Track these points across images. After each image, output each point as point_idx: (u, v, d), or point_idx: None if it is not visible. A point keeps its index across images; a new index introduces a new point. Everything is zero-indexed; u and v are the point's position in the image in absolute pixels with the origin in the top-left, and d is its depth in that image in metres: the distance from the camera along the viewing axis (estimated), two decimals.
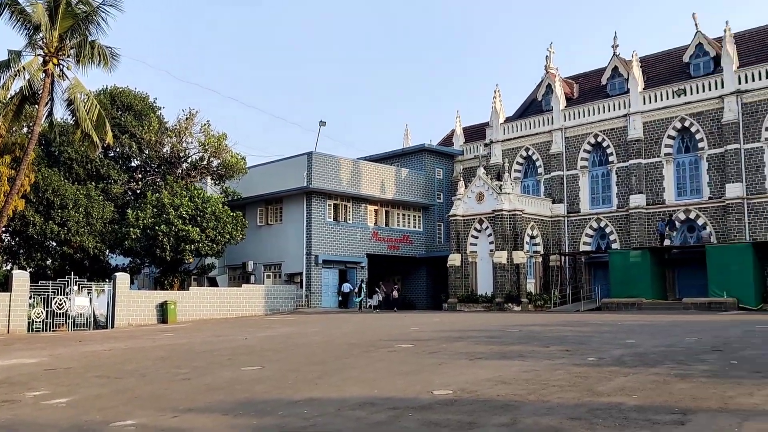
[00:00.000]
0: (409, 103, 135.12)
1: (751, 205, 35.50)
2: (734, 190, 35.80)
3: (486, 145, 48.45)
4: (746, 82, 36.31)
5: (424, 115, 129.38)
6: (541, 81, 47.92)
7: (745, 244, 33.96)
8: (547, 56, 47.85)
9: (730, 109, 36.49)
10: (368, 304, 44.17)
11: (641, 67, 41.93)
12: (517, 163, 46.36)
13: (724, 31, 37.65)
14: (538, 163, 45.27)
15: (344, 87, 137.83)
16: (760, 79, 35.88)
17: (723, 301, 32.58)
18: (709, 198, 37.25)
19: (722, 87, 37.09)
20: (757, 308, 32.35)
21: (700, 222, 37.49)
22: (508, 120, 48.05)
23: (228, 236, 37.36)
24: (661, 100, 39.62)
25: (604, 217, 41.61)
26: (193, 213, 36.21)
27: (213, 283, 45.04)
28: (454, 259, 42.54)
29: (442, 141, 55.84)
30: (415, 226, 49.28)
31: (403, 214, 48.73)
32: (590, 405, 8.30)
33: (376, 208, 47.09)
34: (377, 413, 8.23)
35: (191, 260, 38.08)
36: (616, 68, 43.84)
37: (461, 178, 45.94)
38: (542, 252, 42.45)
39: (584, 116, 43.18)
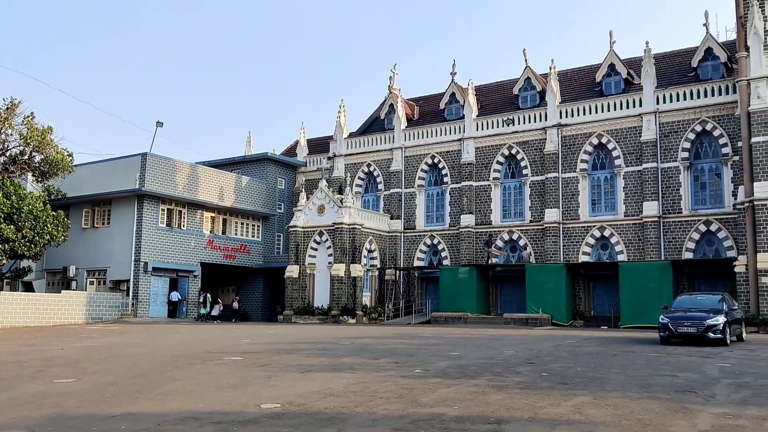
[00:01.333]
0: (254, 111, 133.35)
1: (565, 229, 38.73)
2: (552, 215, 38.88)
3: (329, 158, 48.93)
4: (566, 116, 39.71)
5: (269, 125, 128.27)
6: (385, 100, 49.34)
7: (559, 265, 36.95)
8: (390, 77, 49.42)
9: (551, 141, 39.69)
10: (208, 314, 43.14)
11: (476, 95, 44.53)
12: (359, 177, 47.27)
13: (550, 68, 41.00)
14: (378, 179, 46.44)
15: (188, 91, 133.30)
16: (578, 114, 39.39)
17: (539, 317, 35.17)
18: (531, 221, 40.18)
19: (546, 120, 40.29)
20: (568, 324, 35.27)
21: (521, 243, 40.28)
22: (351, 135, 48.89)
23: (48, 237, 34.60)
24: (492, 127, 42.27)
25: (438, 234, 43.48)
26: (9, 211, 33.16)
27: (29, 288, 41.45)
28: (292, 271, 42.39)
29: (286, 151, 55.63)
30: (253, 236, 48.53)
31: (242, 223, 47.84)
32: (414, 416, 8.59)
33: (213, 215, 45.83)
34: (201, 428, 7.96)
35: (5, 261, 34.79)
36: (453, 94, 46.15)
37: (303, 190, 46.04)
38: (379, 266, 43.50)
39: (423, 137, 44.98)
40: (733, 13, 33.33)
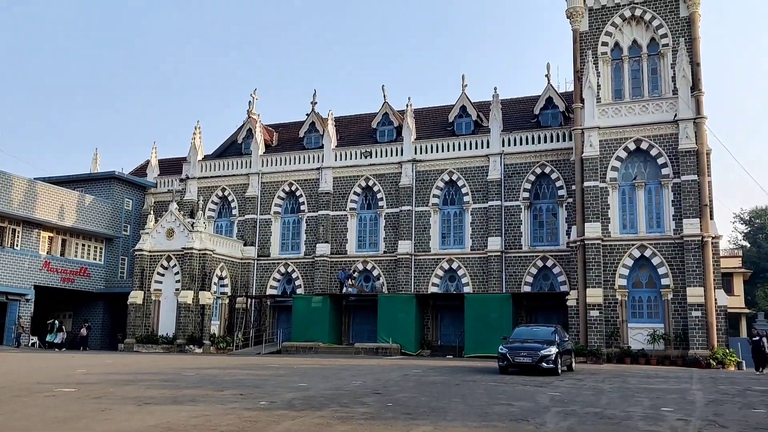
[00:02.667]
0: (104, 127, 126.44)
1: (417, 260, 39.94)
2: (405, 247, 39.97)
3: (182, 180, 47.34)
4: (421, 152, 41.22)
5: (120, 143, 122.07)
6: (243, 124, 48.68)
7: (410, 295, 37.95)
8: (250, 101, 48.94)
9: (406, 175, 40.98)
10: (52, 342, 40.39)
11: (336, 126, 45.11)
12: (213, 202, 46.07)
13: (407, 106, 42.49)
14: (233, 204, 45.53)
15: (32, 104, 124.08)
16: (431, 151, 41.02)
17: (389, 346, 35.79)
18: (384, 252, 41.04)
19: (402, 155, 41.58)
20: (416, 354, 36.18)
21: (375, 273, 40.98)
22: (207, 158, 47.67)
23: None
24: (351, 158, 42.96)
25: (292, 262, 43.20)
26: None
27: None
28: (136, 297, 40.31)
29: (136, 171, 53.14)
30: (95, 258, 45.69)
31: (83, 245, 44.94)
32: None
33: (51, 234, 42.70)
34: None
35: None
36: (313, 123, 46.44)
37: (152, 212, 44.06)
38: (230, 294, 42.40)
39: (281, 164, 44.78)
40: (571, 66, 36.40)
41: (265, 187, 44.84)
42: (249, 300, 42.84)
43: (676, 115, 33.23)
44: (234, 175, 45.84)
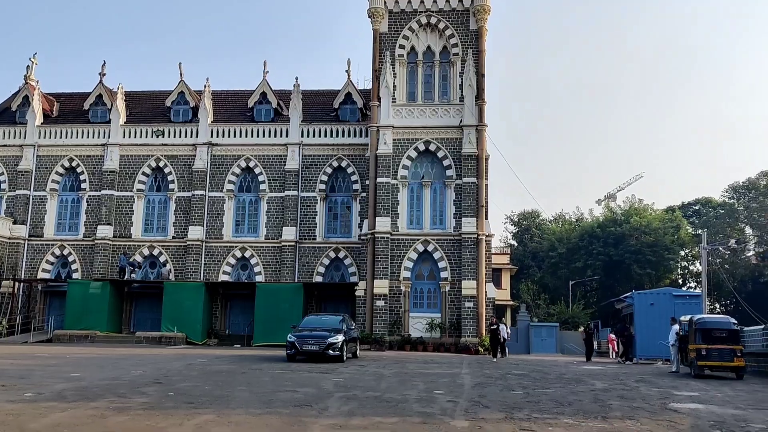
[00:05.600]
0: None
1: (208, 247, 38.94)
2: (196, 233, 38.76)
3: None
4: (218, 136, 40.20)
5: None
6: (19, 90, 43.95)
7: (199, 284, 36.91)
8: (29, 66, 44.34)
9: (201, 158, 39.73)
10: None
11: (126, 101, 42.34)
12: None
13: (204, 86, 41.18)
14: (2, 178, 40.99)
15: None
16: (229, 136, 40.18)
17: (173, 335, 34.54)
18: (173, 237, 39.45)
19: (197, 136, 40.23)
20: (202, 343, 35.31)
21: (162, 259, 39.24)
22: None
23: None
24: (141, 136, 40.69)
25: (69, 244, 39.95)
26: None
27: None
28: None
29: None
30: None
31: None
32: None
33: None
34: None
35: None
36: (101, 96, 43.14)
37: None
38: None
39: (61, 137, 41.19)
40: (371, 64, 37.65)
41: (42, 160, 40.96)
42: (16, 284, 38.84)
43: (461, 121, 35.80)
44: (5, 146, 41.29)
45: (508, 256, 59.71)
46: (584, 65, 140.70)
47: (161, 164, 40.30)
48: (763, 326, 22.67)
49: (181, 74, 43.10)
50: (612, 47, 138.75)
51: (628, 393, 15.06)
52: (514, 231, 78.14)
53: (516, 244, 74.62)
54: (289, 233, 38.26)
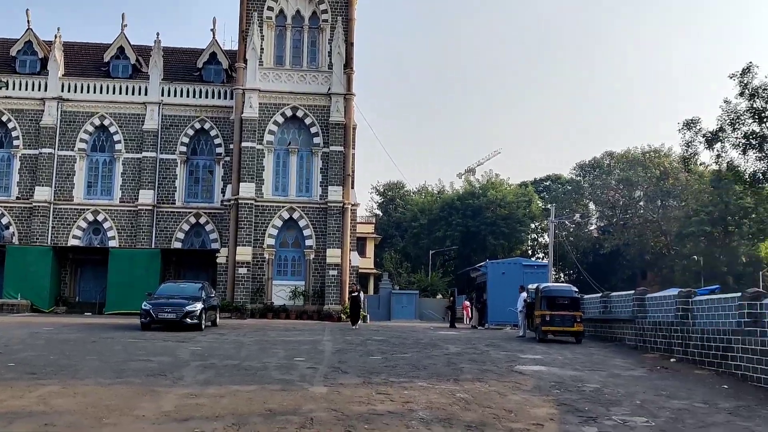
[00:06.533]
0: None
1: (57, 210, 36.44)
2: (43, 194, 36.12)
3: None
4: (69, 91, 37.44)
5: None
6: None
7: (46, 248, 34.54)
8: None
9: (49, 113, 36.86)
10: None
11: None
12: None
13: (55, 36, 38.10)
14: None
15: None
16: (82, 91, 37.55)
17: (17, 302, 32.21)
18: (18, 198, 36.55)
19: (46, 90, 37.25)
20: (49, 310, 33.18)
21: (4, 221, 36.30)
22: None
23: None
24: None
25: None
26: None
27: None
28: None
29: None
30: None
31: None
32: None
33: None
34: None
35: None
36: None
37: None
38: None
39: None
40: (238, 25, 36.41)
41: None
42: None
43: (329, 89, 35.63)
44: None
45: (373, 225, 60.79)
46: (453, 42, 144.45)
47: (4, 119, 36.98)
48: (600, 294, 24.64)
49: (28, 22, 39.49)
50: (479, 23, 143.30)
51: (479, 357, 15.91)
52: (379, 201, 79.47)
53: (381, 214, 75.95)
54: (147, 197, 36.57)
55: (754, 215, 53.89)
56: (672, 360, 15.76)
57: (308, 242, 34.83)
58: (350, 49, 36.11)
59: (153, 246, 35.87)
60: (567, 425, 8.74)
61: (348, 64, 35.91)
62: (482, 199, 62.31)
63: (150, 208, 36.52)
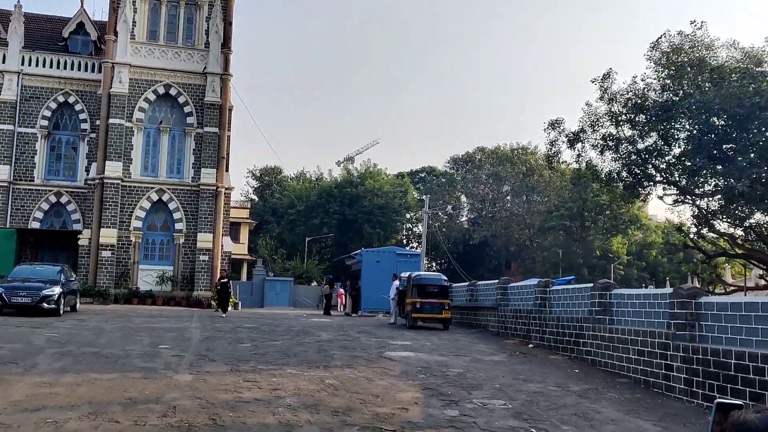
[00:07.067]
0: None
1: (16, 190, 33.49)
2: (2, 174, 33.05)
3: None
4: (29, 65, 34.37)
5: None
6: None
7: (10, 230, 31.91)
8: None
9: (10, 88, 33.66)
10: None
11: None
12: None
13: (15, 6, 34.76)
14: None
15: None
16: (44, 66, 34.59)
17: None
18: None
19: (3, 63, 33.98)
20: None
21: None
22: None
23: None
24: None
25: None
26: None
27: None
28: None
29: None
30: None
31: None
32: None
33: None
34: None
35: None
36: None
37: None
38: None
39: None
40: None
41: None
42: None
43: (205, 68, 34.52)
44: None
45: (248, 210, 59.73)
46: (337, 30, 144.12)
47: None
48: (468, 283, 25.62)
49: None
50: (365, 12, 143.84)
51: (350, 343, 16.10)
52: (256, 186, 78.11)
53: (257, 199, 74.75)
54: (2, 172, 33.85)
55: (608, 212, 57.89)
56: (530, 346, 16.69)
57: (178, 226, 33.69)
58: (228, 29, 35.16)
59: (8, 225, 33.34)
60: (430, 408, 9.05)
61: (226, 44, 34.95)
62: (360, 187, 62.83)
63: (5, 184, 33.86)
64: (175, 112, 34.67)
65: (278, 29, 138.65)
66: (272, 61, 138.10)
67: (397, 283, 24.94)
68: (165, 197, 33.67)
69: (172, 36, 34.90)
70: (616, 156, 25.62)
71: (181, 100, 34.36)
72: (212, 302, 31.85)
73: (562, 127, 26.60)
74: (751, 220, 26.88)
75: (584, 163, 27.05)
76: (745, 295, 30.66)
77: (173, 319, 21.64)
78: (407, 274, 24.13)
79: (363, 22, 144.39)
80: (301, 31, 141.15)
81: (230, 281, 29.51)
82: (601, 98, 25.40)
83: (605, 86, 25.27)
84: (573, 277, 38.52)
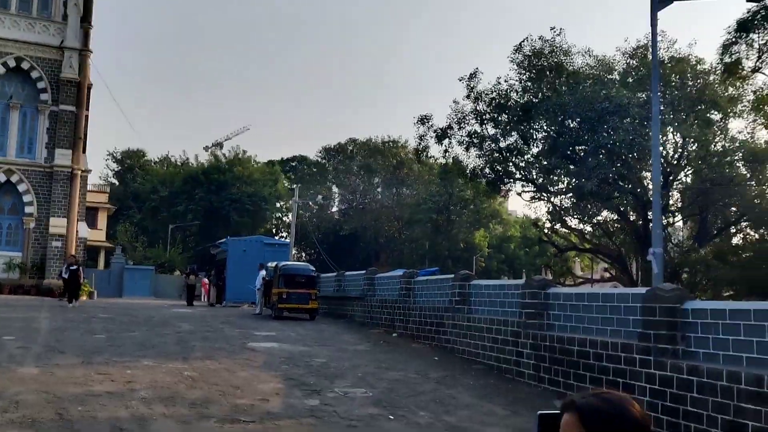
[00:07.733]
0: None
1: None
2: None
3: None
4: None
5: None
6: None
7: None
8: None
9: None
10: None
11: None
12: None
13: None
14: None
15: None
16: None
17: None
18: None
19: None
20: None
21: None
22: None
23: None
24: None
25: None
26: None
27: None
28: None
29: None
30: None
31: None
32: None
33: None
34: None
35: None
36: None
37: None
38: None
39: None
40: None
41: None
42: None
43: (62, 42, 32.33)
44: None
45: (107, 195, 56.61)
46: (210, 11, 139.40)
47: None
48: (335, 273, 25.77)
49: None
50: None
51: (213, 335, 15.74)
52: (116, 169, 74.15)
53: (117, 183, 71.02)
54: None
55: (472, 206, 60.28)
56: (394, 335, 17.09)
57: (28, 209, 31.38)
58: (90, 1, 33.10)
59: None
60: (291, 399, 9.05)
61: (86, 18, 32.89)
62: (228, 174, 61.34)
63: None
64: (26, 88, 32.22)
65: (149, 6, 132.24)
66: (141, 38, 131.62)
67: (263, 273, 24.63)
68: (14, 178, 31.26)
69: (26, 6, 32.39)
70: (480, 153, 26.74)
71: (34, 74, 31.96)
72: (58, 290, 29.93)
73: (430, 123, 27.37)
74: (599, 217, 29.05)
75: (451, 159, 28.01)
76: (592, 286, 33.14)
77: (20, 309, 20.19)
78: (274, 264, 23.89)
79: (239, 3, 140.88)
80: (175, 10, 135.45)
81: (81, 268, 27.44)
82: (468, 96, 26.40)
83: (471, 85, 26.29)
84: (437, 268, 39.73)
